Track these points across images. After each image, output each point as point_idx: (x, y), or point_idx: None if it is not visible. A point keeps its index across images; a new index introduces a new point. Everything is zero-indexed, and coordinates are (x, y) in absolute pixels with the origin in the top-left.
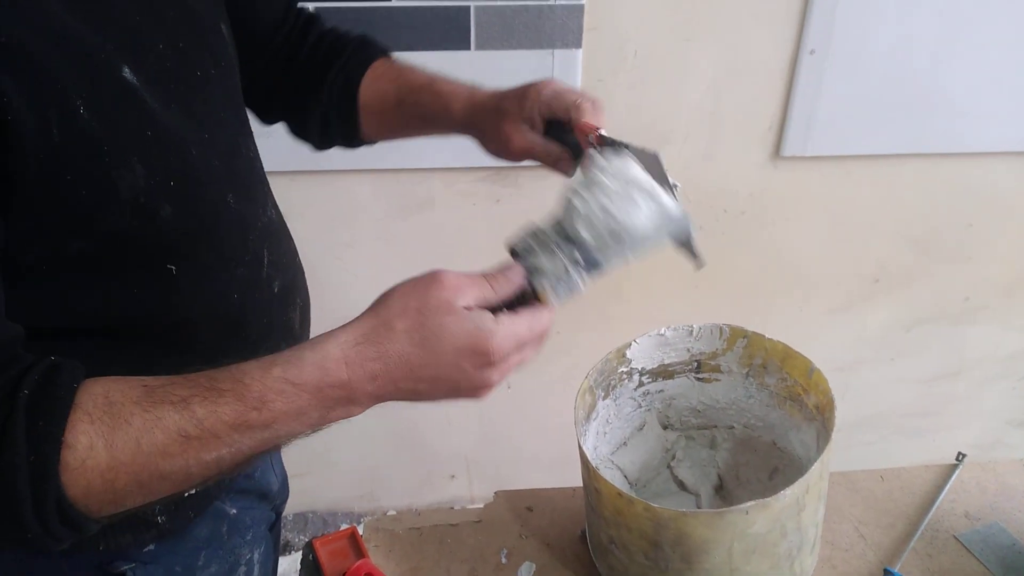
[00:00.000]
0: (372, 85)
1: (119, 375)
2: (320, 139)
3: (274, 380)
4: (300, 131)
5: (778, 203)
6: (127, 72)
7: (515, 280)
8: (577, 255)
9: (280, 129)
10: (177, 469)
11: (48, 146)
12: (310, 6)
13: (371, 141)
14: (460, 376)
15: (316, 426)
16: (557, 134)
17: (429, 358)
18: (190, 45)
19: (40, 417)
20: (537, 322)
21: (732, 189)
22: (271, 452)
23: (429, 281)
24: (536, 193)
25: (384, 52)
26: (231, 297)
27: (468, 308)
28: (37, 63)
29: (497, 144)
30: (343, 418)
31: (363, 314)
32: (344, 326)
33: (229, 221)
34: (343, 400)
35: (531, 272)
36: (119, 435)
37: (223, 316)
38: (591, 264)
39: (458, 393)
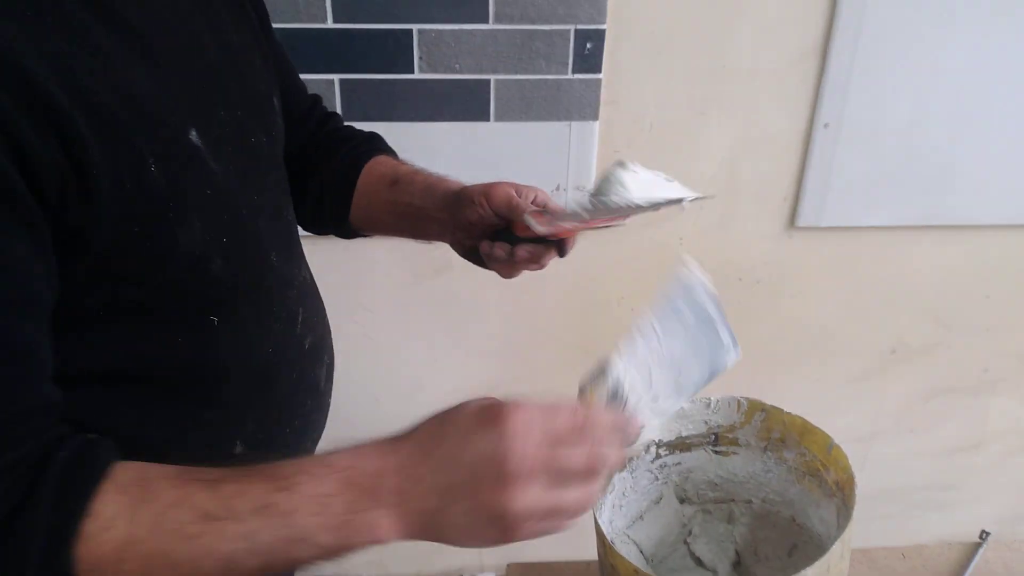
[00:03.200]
0: (373, 169)
1: (150, 424)
2: (310, 222)
3: (310, 461)
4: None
5: (793, 273)
6: (193, 135)
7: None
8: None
9: None
10: (188, 559)
11: (121, 200)
12: (335, 78)
13: (360, 231)
14: (474, 483)
15: (337, 533)
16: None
17: (447, 454)
18: (247, 115)
19: (71, 483)
20: (570, 413)
21: (747, 258)
22: (286, 567)
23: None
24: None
25: (392, 152)
26: (266, 351)
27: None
28: (118, 124)
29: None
30: (367, 538)
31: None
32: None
33: (273, 278)
34: (368, 492)
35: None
36: (143, 509)
37: (256, 368)
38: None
39: (478, 515)
